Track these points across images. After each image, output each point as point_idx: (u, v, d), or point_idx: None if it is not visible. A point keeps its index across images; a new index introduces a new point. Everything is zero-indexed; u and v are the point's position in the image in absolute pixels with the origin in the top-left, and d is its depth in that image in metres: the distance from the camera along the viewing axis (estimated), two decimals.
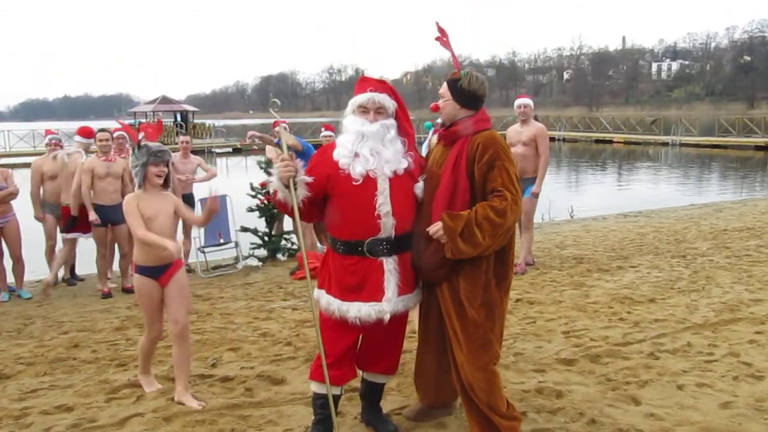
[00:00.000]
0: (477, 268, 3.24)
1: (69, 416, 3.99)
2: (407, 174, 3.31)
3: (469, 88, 3.31)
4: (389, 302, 3.24)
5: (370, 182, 3.20)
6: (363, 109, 3.29)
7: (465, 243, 3.08)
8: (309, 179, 3.25)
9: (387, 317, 3.23)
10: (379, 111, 3.29)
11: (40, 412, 4.06)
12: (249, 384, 4.40)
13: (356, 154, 3.22)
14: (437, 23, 3.47)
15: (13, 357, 5.23)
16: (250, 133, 8.26)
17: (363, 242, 3.23)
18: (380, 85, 3.35)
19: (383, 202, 3.19)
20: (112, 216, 7.29)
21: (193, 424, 3.79)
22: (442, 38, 3.47)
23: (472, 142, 3.25)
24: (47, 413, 4.05)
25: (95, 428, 3.80)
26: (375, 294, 3.24)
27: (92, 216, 7.20)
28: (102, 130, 7.53)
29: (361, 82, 3.39)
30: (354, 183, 3.19)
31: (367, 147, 3.22)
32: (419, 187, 3.35)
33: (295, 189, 3.23)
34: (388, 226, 3.21)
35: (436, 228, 3.13)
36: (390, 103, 3.32)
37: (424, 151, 4.98)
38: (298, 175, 3.24)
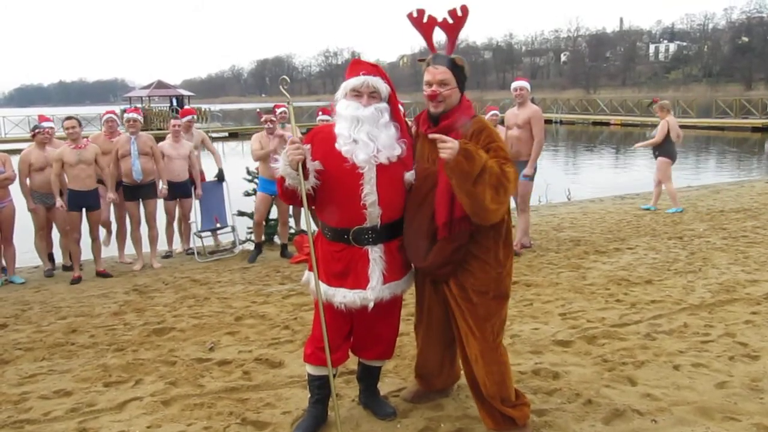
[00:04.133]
0: (485, 263, 3.19)
1: (68, 401, 4.00)
2: (399, 162, 3.22)
3: (466, 72, 3.22)
4: (373, 290, 3.21)
5: (356, 171, 3.13)
6: (356, 93, 3.20)
7: (476, 185, 2.89)
8: (319, 166, 3.16)
9: (371, 305, 3.22)
10: (373, 95, 3.19)
11: (39, 397, 4.07)
12: (247, 367, 4.41)
13: (355, 141, 3.14)
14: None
15: (11, 342, 5.23)
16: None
17: (349, 230, 3.20)
18: (373, 69, 3.26)
19: (369, 192, 3.13)
20: (86, 201, 7.42)
21: (192, 407, 3.81)
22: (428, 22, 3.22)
23: (476, 130, 3.15)
24: (46, 398, 4.06)
25: (94, 412, 3.81)
26: (360, 281, 3.22)
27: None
28: (69, 117, 7.52)
29: (354, 65, 3.30)
30: (359, 170, 3.11)
31: (363, 132, 3.14)
32: (411, 175, 3.27)
33: (305, 175, 3.14)
34: (373, 216, 3.17)
35: (450, 145, 2.87)
36: (383, 87, 3.22)
37: None
38: (307, 160, 3.14)
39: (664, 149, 10.34)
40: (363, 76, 3.19)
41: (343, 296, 3.22)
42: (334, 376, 3.36)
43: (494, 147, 3.10)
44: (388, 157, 3.17)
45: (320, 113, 8.49)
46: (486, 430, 3.34)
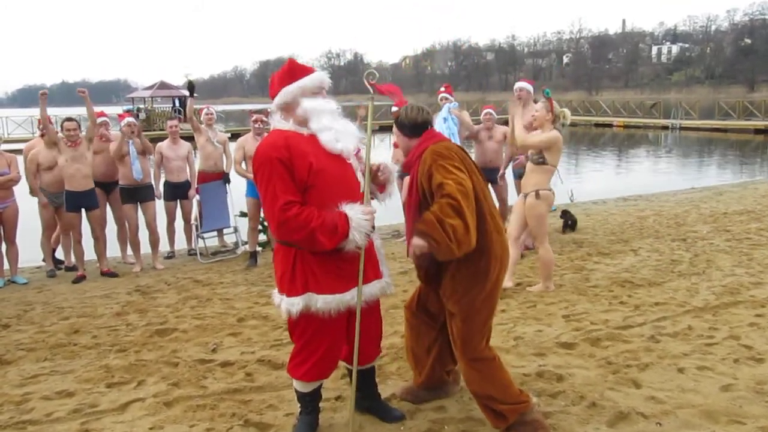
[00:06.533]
0: (444, 270, 3.27)
1: (70, 402, 4.00)
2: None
3: (406, 120, 3.40)
4: (387, 274, 3.34)
5: (346, 163, 3.15)
6: (317, 91, 3.16)
7: (446, 235, 2.94)
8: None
9: (392, 289, 3.34)
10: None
11: (41, 398, 4.07)
12: (249, 369, 4.40)
13: (339, 132, 3.14)
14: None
15: (13, 343, 5.23)
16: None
17: None
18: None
19: (362, 178, 3.20)
20: (84, 201, 7.43)
21: (194, 408, 3.80)
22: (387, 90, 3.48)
23: (421, 162, 3.23)
24: (48, 399, 4.06)
25: (96, 413, 3.81)
26: (375, 272, 3.27)
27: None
28: (69, 119, 7.49)
29: (297, 67, 3.19)
30: (347, 161, 3.15)
31: (341, 123, 3.18)
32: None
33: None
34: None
35: (417, 245, 3.00)
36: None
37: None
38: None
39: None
40: (321, 72, 3.21)
41: (370, 293, 3.22)
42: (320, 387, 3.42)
43: (434, 167, 3.11)
44: (356, 144, 3.25)
45: None
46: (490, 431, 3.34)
